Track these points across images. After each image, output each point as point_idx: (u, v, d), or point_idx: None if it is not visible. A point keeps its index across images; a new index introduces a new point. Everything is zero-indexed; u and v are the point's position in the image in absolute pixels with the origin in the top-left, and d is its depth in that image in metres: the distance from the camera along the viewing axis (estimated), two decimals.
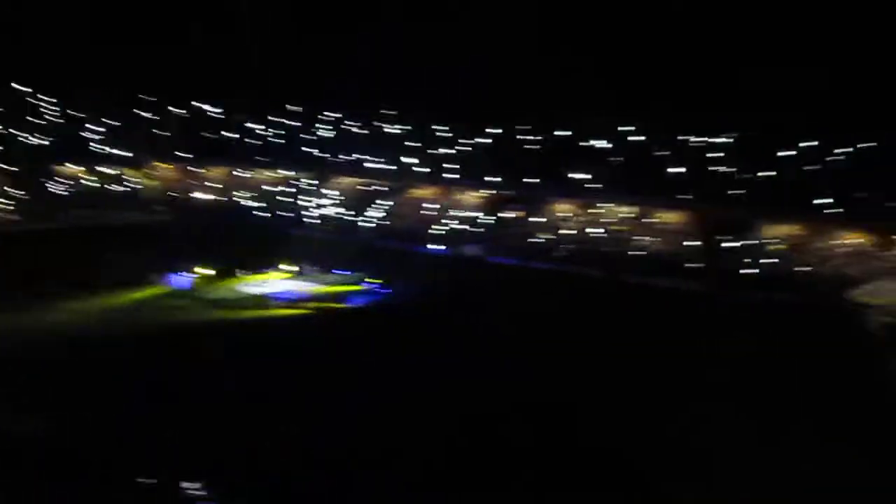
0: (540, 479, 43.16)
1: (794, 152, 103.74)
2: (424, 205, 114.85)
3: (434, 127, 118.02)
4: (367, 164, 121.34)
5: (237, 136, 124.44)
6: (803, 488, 40.98)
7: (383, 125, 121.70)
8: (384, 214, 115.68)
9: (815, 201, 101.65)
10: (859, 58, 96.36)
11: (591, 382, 57.54)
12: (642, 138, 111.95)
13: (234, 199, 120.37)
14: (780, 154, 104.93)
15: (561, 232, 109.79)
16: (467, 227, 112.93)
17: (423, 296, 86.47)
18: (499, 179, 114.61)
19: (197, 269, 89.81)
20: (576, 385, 57.39)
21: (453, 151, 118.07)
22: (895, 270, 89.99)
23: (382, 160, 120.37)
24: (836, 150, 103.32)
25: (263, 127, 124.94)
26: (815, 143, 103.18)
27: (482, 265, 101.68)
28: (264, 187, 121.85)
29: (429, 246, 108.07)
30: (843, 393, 54.37)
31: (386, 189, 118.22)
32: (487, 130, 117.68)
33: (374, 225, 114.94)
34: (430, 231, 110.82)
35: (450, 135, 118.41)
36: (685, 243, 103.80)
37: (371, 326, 75.73)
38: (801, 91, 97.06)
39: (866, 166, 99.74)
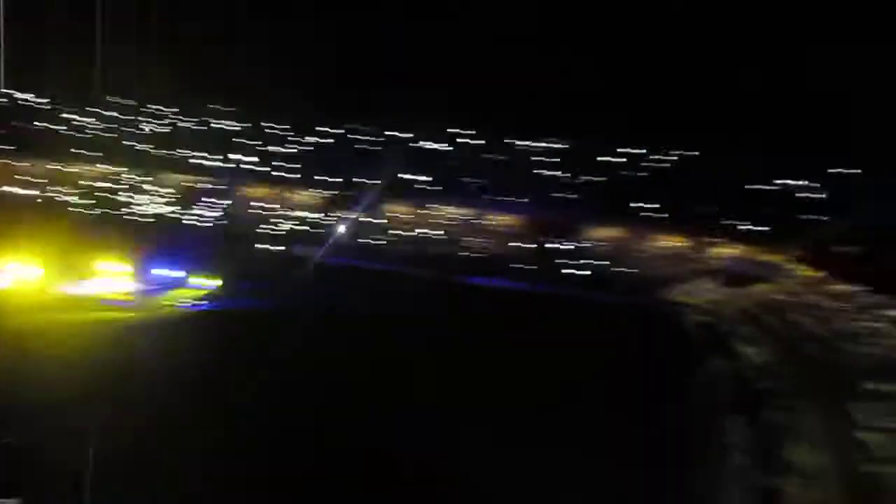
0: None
1: (621, 159, 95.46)
2: (258, 204, 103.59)
3: (268, 124, 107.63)
4: (198, 161, 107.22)
5: (61, 128, 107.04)
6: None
7: (215, 121, 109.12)
8: (219, 214, 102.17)
9: (638, 205, 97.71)
10: (682, 69, 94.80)
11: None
12: (479, 142, 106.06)
13: (53, 194, 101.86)
14: (606, 160, 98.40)
15: (395, 233, 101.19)
16: (303, 227, 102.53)
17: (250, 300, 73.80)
18: (336, 179, 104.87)
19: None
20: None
21: (291, 150, 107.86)
22: (710, 272, 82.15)
23: (216, 157, 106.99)
24: (659, 157, 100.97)
25: (92, 120, 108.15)
26: (643, 150, 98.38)
27: (316, 266, 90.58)
28: (88, 183, 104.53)
29: (261, 246, 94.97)
30: (662, 390, 51.22)
31: (219, 187, 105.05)
32: (323, 129, 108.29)
33: (208, 224, 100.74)
34: (263, 230, 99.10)
35: (285, 132, 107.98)
36: (516, 245, 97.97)
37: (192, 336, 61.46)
38: (626, 98, 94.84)
39: (686, 173, 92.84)
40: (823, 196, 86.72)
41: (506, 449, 38.38)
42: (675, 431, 43.04)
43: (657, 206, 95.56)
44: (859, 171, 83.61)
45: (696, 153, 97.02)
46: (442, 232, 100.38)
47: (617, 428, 42.26)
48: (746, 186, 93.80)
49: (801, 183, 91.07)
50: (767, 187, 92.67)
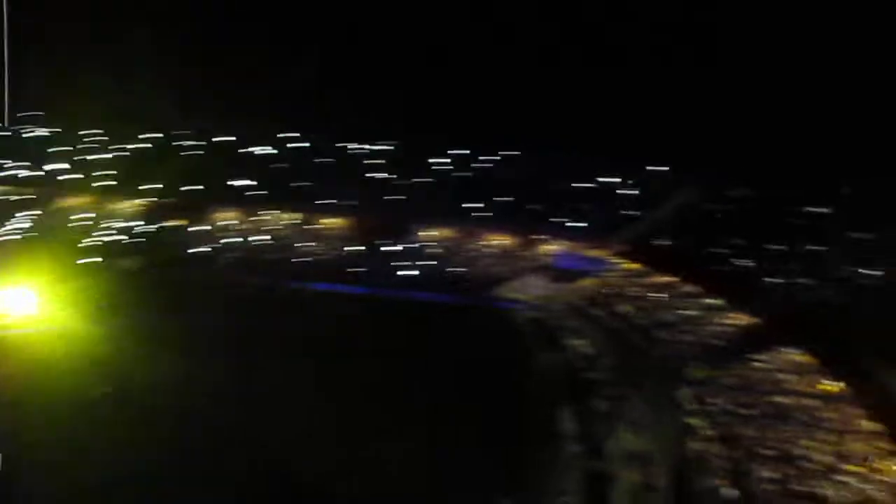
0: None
1: (447, 160, 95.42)
2: (76, 215, 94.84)
3: (85, 132, 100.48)
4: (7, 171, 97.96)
5: None
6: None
7: (25, 128, 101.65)
8: (30, 224, 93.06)
9: (468, 206, 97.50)
10: (507, 70, 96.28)
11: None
12: (305, 145, 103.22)
13: None
14: (435, 161, 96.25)
15: (224, 240, 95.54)
16: (124, 237, 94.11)
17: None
18: (158, 187, 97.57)
19: None
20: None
21: (107, 157, 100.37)
22: (538, 268, 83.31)
23: (27, 165, 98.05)
24: (484, 158, 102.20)
25: None
26: (467, 151, 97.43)
27: (139, 277, 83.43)
28: None
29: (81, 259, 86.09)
30: (496, 384, 50.64)
31: (31, 198, 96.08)
32: (144, 136, 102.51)
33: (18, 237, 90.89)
34: (82, 242, 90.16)
35: (102, 139, 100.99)
36: (348, 248, 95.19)
37: None
38: (451, 102, 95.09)
39: (512, 173, 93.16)
40: (637, 192, 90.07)
41: (339, 446, 37.87)
42: (510, 424, 43.31)
43: (484, 205, 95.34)
44: (667, 168, 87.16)
45: (518, 153, 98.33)
46: (269, 237, 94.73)
47: (453, 423, 41.97)
48: (572, 185, 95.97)
49: (618, 180, 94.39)
50: (589, 185, 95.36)
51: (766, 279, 50.12)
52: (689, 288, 65.46)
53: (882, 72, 57.57)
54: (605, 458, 40.01)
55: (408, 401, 45.54)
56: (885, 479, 27.55)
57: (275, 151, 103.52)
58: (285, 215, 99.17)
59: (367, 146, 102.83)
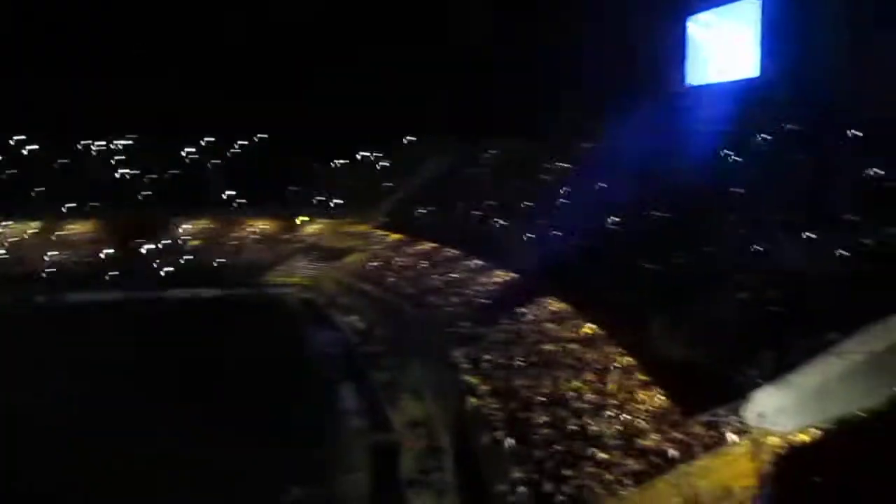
0: None
1: (194, 149, 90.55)
2: None
3: None
4: None
5: None
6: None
7: None
8: None
9: (222, 194, 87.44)
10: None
11: None
12: (35, 147, 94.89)
13: None
14: (180, 152, 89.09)
15: None
16: None
17: None
18: None
19: None
20: None
21: None
22: (304, 249, 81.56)
23: None
24: (241, 143, 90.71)
25: None
26: (213, 138, 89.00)
27: None
28: None
29: None
30: (268, 376, 48.90)
31: None
32: None
33: None
34: None
35: None
36: (102, 252, 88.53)
37: None
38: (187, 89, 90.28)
39: (264, 157, 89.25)
40: (389, 163, 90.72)
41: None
42: (290, 410, 42.02)
43: (239, 192, 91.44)
44: (415, 138, 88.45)
45: (266, 136, 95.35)
46: (8, 250, 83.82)
47: (233, 418, 40.26)
48: (331, 162, 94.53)
49: (376, 154, 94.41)
50: (345, 161, 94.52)
51: (523, 235, 51.77)
52: (451, 252, 66.74)
53: None
54: (389, 428, 39.94)
55: (181, 401, 42.73)
56: (645, 407, 29.18)
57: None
58: (19, 225, 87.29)
59: (101, 143, 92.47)
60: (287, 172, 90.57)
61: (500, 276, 55.87)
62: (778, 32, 43.63)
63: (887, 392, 16.92)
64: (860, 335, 21.34)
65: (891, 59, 33.76)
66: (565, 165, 62.59)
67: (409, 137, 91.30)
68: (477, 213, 66.17)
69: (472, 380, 37.74)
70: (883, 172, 29.22)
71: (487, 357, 40.46)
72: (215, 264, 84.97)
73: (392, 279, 67.70)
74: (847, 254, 25.93)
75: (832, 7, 40.21)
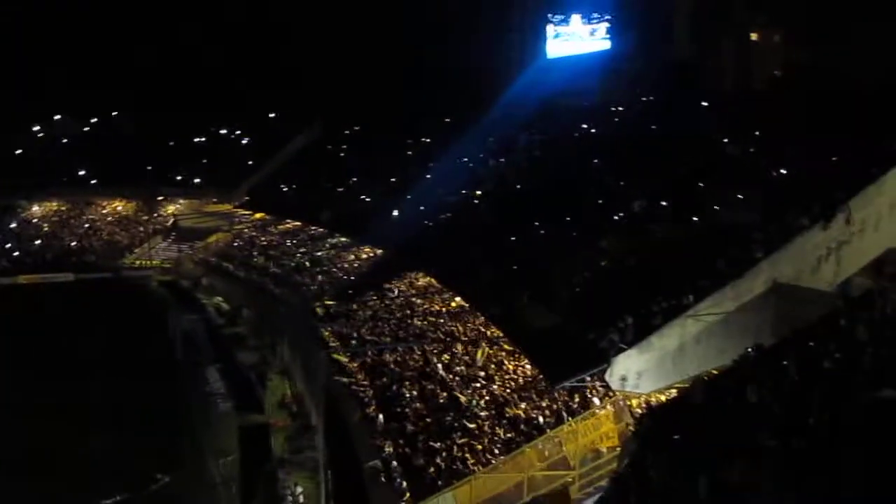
0: None
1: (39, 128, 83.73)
2: None
3: None
4: None
5: None
6: None
7: None
8: None
9: (74, 174, 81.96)
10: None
11: None
12: None
13: None
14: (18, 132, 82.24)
15: None
16: None
17: None
18: None
19: None
20: None
21: None
22: (164, 230, 77.31)
23: None
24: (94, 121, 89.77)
25: None
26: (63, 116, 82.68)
27: None
28: None
29: None
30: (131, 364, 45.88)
31: None
32: None
33: None
34: None
35: None
36: None
37: None
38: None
39: (119, 134, 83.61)
40: (254, 140, 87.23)
41: None
42: (159, 397, 40.11)
43: (92, 171, 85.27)
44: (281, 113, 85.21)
45: (115, 113, 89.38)
46: None
47: (98, 412, 38.08)
48: (193, 139, 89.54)
49: (238, 131, 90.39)
50: (204, 138, 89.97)
51: (387, 212, 50.83)
52: (316, 230, 65.28)
53: None
54: (259, 409, 38.91)
55: (39, 391, 40.27)
56: (513, 377, 29.16)
57: None
58: None
59: None
60: (145, 150, 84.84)
61: (367, 252, 54.87)
62: (629, 5, 44.39)
63: (739, 351, 17.20)
64: (713, 298, 21.69)
65: (743, 34, 34.95)
66: (428, 140, 61.79)
67: (272, 114, 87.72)
68: (342, 189, 64.37)
69: (341, 357, 36.74)
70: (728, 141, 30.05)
71: (356, 334, 39.43)
72: (66, 248, 78.72)
73: (257, 258, 65.23)
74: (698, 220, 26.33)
75: None
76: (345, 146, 77.53)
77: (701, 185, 28.77)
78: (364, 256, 55.78)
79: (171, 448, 34.08)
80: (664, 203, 29.60)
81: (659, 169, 32.10)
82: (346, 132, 79.47)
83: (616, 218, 31.34)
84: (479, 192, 44.28)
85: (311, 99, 77.38)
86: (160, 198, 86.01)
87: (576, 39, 49.91)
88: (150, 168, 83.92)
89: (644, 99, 41.17)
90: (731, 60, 36.38)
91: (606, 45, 48.08)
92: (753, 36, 36.67)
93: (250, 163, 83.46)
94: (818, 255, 21.99)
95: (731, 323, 21.60)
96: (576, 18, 50.25)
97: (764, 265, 22.23)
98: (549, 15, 51.72)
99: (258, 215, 78.23)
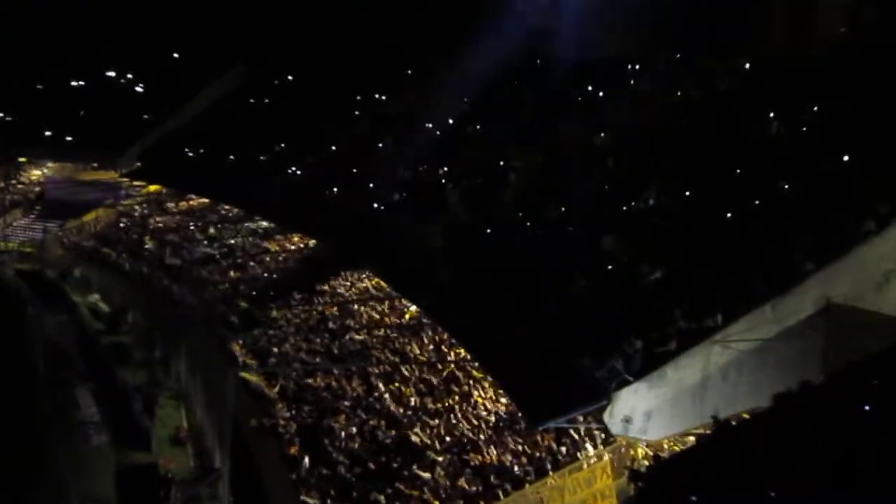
0: None
1: None
2: None
3: None
4: None
5: None
6: None
7: None
8: None
9: None
10: None
11: None
12: None
13: None
14: None
15: None
16: None
17: None
18: None
19: None
20: None
21: None
22: (25, 203, 76.73)
23: None
24: None
25: None
26: None
27: None
28: None
29: None
30: None
31: None
32: None
33: None
34: None
35: None
36: None
37: None
38: None
39: None
40: (147, 89, 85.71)
41: None
42: (10, 418, 38.69)
43: None
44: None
45: None
46: None
47: None
48: (70, 83, 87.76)
49: (130, 76, 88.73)
50: (84, 82, 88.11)
51: (328, 190, 50.18)
52: (228, 209, 64.77)
53: None
54: (146, 445, 38.62)
55: None
56: (480, 412, 29.27)
57: None
58: None
59: None
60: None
61: (297, 242, 54.68)
62: None
63: (779, 388, 17.28)
64: (747, 320, 21.80)
65: None
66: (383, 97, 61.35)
67: (175, 55, 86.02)
68: (265, 157, 63.44)
69: (256, 379, 36.61)
70: None
71: (278, 348, 39.40)
72: None
73: (149, 245, 64.69)
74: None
75: None
76: (269, 100, 75.99)
77: (737, 171, 28.71)
78: (291, 248, 55.41)
79: (26, 490, 33.24)
80: (687, 193, 29.56)
81: (681, 148, 32.09)
82: (275, 82, 78.02)
83: (624, 209, 31.24)
84: (445, 169, 43.98)
85: (231, 36, 75.87)
86: (20, 159, 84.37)
87: None
88: (6, 119, 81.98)
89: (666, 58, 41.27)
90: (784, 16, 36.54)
91: None
92: None
93: (145, 117, 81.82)
94: (885, 269, 22.07)
95: (770, 352, 21.67)
96: None
97: (814, 280, 22.22)
98: None
99: (152, 188, 77.32)
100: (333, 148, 58.41)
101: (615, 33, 46.53)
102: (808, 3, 36.64)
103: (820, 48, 35.39)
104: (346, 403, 33.63)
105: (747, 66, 36.87)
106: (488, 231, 35.05)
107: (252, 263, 55.56)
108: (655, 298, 25.10)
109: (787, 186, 26.87)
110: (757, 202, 27.14)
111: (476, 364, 31.96)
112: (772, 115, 30.83)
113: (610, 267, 28.29)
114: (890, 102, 26.77)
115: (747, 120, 32.21)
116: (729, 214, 27.23)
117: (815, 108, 30.48)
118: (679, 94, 37.35)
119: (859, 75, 30.40)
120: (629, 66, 44.30)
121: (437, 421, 30.70)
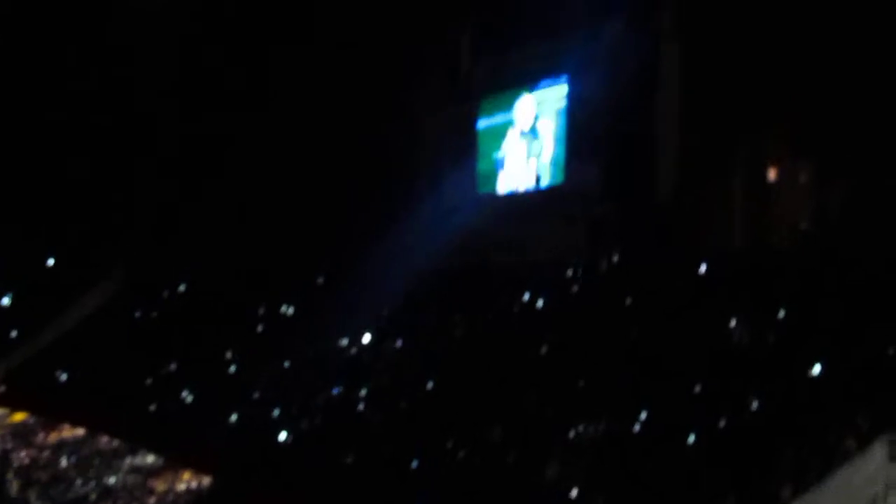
0: None
1: None
2: None
3: None
4: None
5: None
6: None
7: None
8: None
9: None
10: None
11: None
12: None
13: None
14: None
15: None
16: None
17: None
18: None
19: None
20: None
21: None
22: None
23: None
24: None
25: None
26: None
27: None
28: None
29: None
30: None
31: None
32: None
33: None
34: None
35: None
36: None
37: None
38: None
39: None
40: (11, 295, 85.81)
41: None
42: None
43: None
44: None
45: None
46: None
47: None
48: None
49: None
50: None
51: (230, 418, 49.69)
52: (108, 442, 63.64)
53: None
54: None
55: None
56: None
57: None
58: None
59: None
60: None
61: (186, 479, 53.80)
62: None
63: None
64: (813, 493, 21.37)
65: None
66: None
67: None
68: (150, 378, 62.91)
69: None
70: None
71: None
72: None
73: (12, 485, 62.96)
74: None
75: None
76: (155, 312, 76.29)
77: (695, 388, 28.80)
78: (181, 488, 54.62)
79: None
80: (643, 415, 29.57)
81: (631, 362, 32.35)
82: (162, 291, 78.58)
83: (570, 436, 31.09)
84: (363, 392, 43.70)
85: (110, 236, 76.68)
86: None
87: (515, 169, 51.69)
88: None
89: (609, 259, 42.34)
90: (738, 208, 37.92)
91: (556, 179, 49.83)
92: (771, 173, 38.50)
93: (12, 334, 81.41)
94: (872, 492, 21.98)
95: None
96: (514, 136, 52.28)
97: None
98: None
99: (17, 416, 75.92)
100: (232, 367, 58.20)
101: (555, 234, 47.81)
102: (766, 197, 38.15)
103: (780, 243, 36.62)
104: None
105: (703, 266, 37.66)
106: None
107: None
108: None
109: (756, 403, 26.88)
110: (723, 423, 27.05)
111: None
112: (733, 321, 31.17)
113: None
114: (858, 301, 27.39)
115: (705, 327, 32.57)
116: (692, 437, 27.08)
117: (781, 312, 30.94)
118: (627, 299, 37.66)
119: (823, 274, 31.24)
120: (569, 270, 45.11)
121: None
